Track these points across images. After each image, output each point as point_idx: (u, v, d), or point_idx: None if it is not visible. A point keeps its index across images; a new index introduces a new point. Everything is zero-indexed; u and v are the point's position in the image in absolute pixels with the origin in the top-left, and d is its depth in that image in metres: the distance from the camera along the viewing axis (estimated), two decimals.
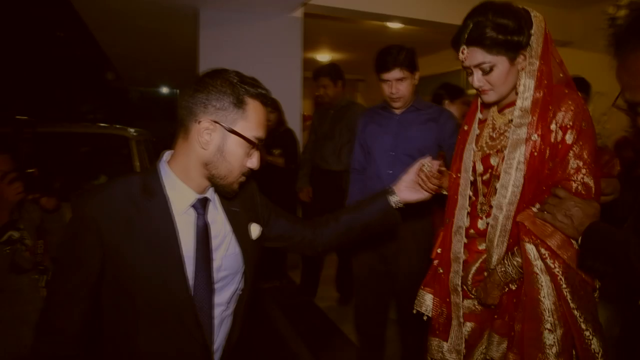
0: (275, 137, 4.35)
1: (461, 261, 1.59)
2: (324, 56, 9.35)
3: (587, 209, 1.29)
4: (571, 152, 1.37)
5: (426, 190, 1.55)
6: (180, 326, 1.25)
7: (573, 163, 1.37)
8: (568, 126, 1.37)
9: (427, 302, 1.71)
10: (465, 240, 1.59)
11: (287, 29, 5.11)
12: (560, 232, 1.32)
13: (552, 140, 1.39)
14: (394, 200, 1.56)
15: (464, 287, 1.58)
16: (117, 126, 5.32)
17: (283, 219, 1.57)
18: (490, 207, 1.51)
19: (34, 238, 2.32)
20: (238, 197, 1.40)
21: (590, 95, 3.04)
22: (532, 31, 1.42)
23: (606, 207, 1.57)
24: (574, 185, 1.36)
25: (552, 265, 1.34)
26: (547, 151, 1.39)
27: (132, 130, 4.92)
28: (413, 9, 5.34)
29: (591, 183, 1.37)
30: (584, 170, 1.36)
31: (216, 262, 1.32)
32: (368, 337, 2.78)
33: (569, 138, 1.37)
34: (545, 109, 1.40)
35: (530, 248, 1.37)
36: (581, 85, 2.99)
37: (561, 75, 1.47)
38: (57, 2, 5.15)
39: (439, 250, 1.71)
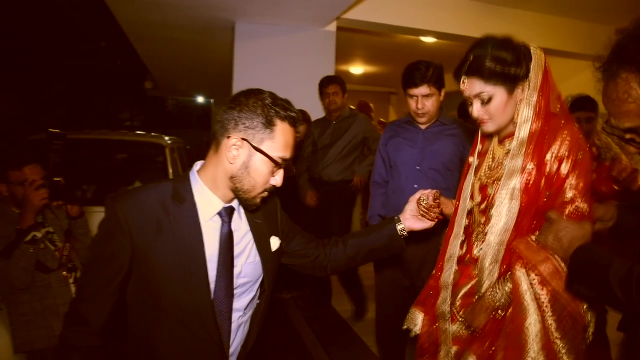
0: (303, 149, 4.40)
1: (450, 288, 1.59)
2: (357, 69, 9.41)
3: (578, 231, 1.28)
4: (567, 182, 1.39)
5: (429, 220, 1.60)
6: (200, 327, 1.31)
7: (569, 193, 1.39)
8: (564, 157, 1.40)
9: (418, 321, 1.71)
10: (456, 267, 1.60)
11: (320, 43, 5.20)
12: (553, 262, 1.33)
13: (548, 171, 1.41)
14: (399, 228, 1.62)
15: (453, 309, 1.57)
16: (153, 134, 5.48)
17: (299, 237, 1.63)
18: (486, 234, 1.51)
19: (63, 241, 2.50)
20: (261, 210, 1.47)
21: (599, 113, 3.01)
22: (532, 65, 1.46)
23: (607, 234, 1.54)
24: (568, 210, 1.38)
25: (540, 293, 1.33)
26: (543, 182, 1.41)
27: (167, 138, 5.06)
28: (446, 24, 5.35)
29: (585, 207, 1.38)
30: (579, 200, 1.38)
31: (237, 268, 1.38)
32: (389, 349, 2.79)
33: (565, 169, 1.40)
34: (541, 140, 1.43)
35: (521, 274, 1.37)
36: (589, 104, 2.97)
37: (559, 107, 1.50)
38: (101, 14, 5.37)
39: (434, 272, 1.72)
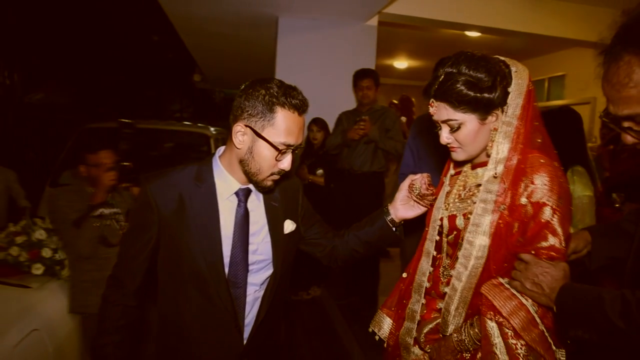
0: (318, 157, 4.45)
1: (417, 321, 1.50)
2: (401, 63, 9.38)
3: (556, 272, 1.19)
4: (547, 230, 1.25)
5: (422, 206, 1.58)
6: (215, 296, 1.44)
7: (550, 240, 1.25)
8: (541, 202, 1.25)
9: (384, 327, 1.64)
10: (423, 300, 1.50)
11: (361, 37, 5.25)
12: (526, 310, 1.23)
13: (522, 214, 1.27)
14: (388, 219, 1.62)
15: (420, 340, 1.48)
16: (199, 125, 5.71)
17: (318, 226, 1.72)
18: (451, 276, 1.39)
19: (126, 220, 2.77)
20: (280, 194, 1.57)
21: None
22: (510, 89, 1.31)
23: (579, 262, 1.50)
24: (545, 255, 1.25)
25: (513, 347, 1.22)
26: (516, 225, 1.28)
27: (212, 129, 5.27)
28: (491, 18, 5.28)
29: (564, 251, 1.26)
30: (561, 246, 1.25)
31: (252, 245, 1.49)
32: None
33: (544, 216, 1.25)
34: (517, 179, 1.28)
35: (492, 326, 1.25)
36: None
37: (539, 140, 1.34)
38: (153, 9, 5.62)
39: (404, 275, 1.65)
